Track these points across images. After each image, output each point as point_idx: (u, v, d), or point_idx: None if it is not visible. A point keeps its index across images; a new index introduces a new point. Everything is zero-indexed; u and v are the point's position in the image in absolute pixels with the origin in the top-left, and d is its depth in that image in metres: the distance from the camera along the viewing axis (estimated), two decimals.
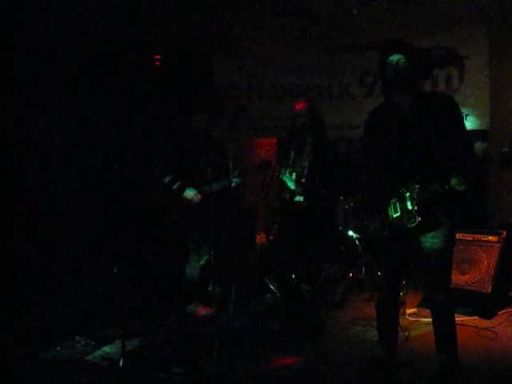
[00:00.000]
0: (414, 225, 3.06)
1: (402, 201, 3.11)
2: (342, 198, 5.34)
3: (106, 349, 3.98)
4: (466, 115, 5.54)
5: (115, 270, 4.09)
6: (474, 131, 5.63)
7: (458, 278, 4.78)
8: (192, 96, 6.21)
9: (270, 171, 5.08)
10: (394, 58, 3.03)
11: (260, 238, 6.65)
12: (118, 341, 3.90)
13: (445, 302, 3.27)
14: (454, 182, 2.92)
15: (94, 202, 5.45)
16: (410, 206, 3.08)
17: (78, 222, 5.44)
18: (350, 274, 5.34)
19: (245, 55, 6.60)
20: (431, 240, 3.15)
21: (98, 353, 3.92)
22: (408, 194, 3.08)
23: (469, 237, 4.99)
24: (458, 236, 5.00)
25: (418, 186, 3.04)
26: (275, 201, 5.55)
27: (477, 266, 4.78)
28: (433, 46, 5.82)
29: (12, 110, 5.02)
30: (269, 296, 5.14)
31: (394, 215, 3.13)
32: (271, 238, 5.62)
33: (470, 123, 5.52)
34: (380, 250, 3.34)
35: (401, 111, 3.13)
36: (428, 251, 3.18)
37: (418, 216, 3.04)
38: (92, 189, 5.44)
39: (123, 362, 3.63)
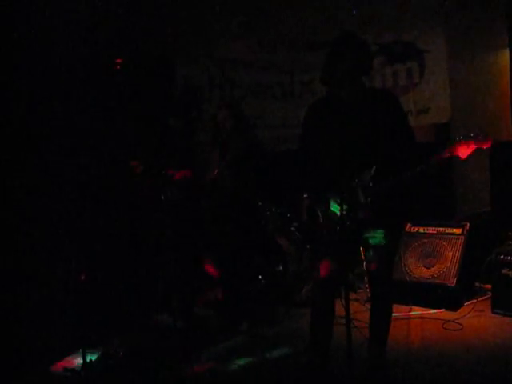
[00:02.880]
0: (363, 217, 3.05)
1: (352, 194, 3.08)
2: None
3: (68, 359, 3.90)
4: (427, 109, 5.58)
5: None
6: (435, 125, 5.69)
7: (423, 272, 4.81)
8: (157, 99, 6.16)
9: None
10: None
11: None
12: (80, 350, 3.81)
13: (386, 297, 3.30)
14: (402, 177, 2.96)
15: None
16: (361, 199, 3.07)
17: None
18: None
19: (205, 55, 6.54)
20: (378, 233, 3.14)
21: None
22: (358, 187, 3.07)
23: (433, 230, 5.01)
24: (423, 229, 5.06)
25: (367, 179, 3.03)
26: None
27: (442, 259, 4.80)
28: (393, 40, 5.85)
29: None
30: None
31: (343, 208, 3.10)
32: None
33: (430, 117, 5.56)
34: (324, 242, 3.28)
35: (345, 105, 3.12)
36: (374, 245, 3.17)
37: (368, 209, 3.03)
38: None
39: (84, 373, 3.55)
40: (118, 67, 6.39)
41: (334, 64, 3.05)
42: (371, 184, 3.05)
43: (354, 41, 3.08)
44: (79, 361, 3.72)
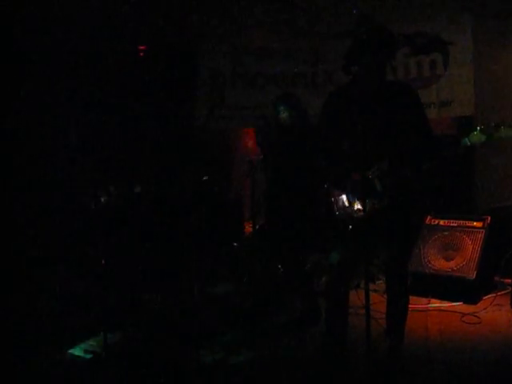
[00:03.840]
0: (381, 206, 3.05)
1: (369, 183, 3.09)
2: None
3: (89, 342, 3.96)
4: (451, 101, 5.54)
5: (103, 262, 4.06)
6: (459, 119, 5.64)
7: (443, 265, 4.79)
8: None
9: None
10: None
11: (248, 228, 6.64)
12: (100, 334, 3.87)
13: (401, 288, 3.32)
14: (418, 168, 3.00)
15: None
16: (378, 188, 3.07)
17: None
18: None
19: (230, 42, 6.55)
20: (394, 223, 3.14)
21: (81, 346, 3.90)
22: (377, 175, 3.07)
23: (453, 223, 4.98)
24: (443, 222, 5.04)
25: (385, 169, 3.04)
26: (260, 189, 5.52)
27: (462, 252, 4.78)
28: (417, 31, 5.80)
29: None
30: None
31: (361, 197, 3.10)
32: (257, 227, 5.60)
33: (454, 109, 5.52)
34: (344, 230, 3.29)
35: (365, 95, 3.12)
36: (390, 235, 3.17)
37: (386, 198, 3.04)
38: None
39: (106, 355, 3.61)
40: (142, 54, 6.46)
41: (359, 54, 3.06)
42: (389, 174, 3.05)
43: (383, 34, 3.07)
44: (100, 343, 3.80)
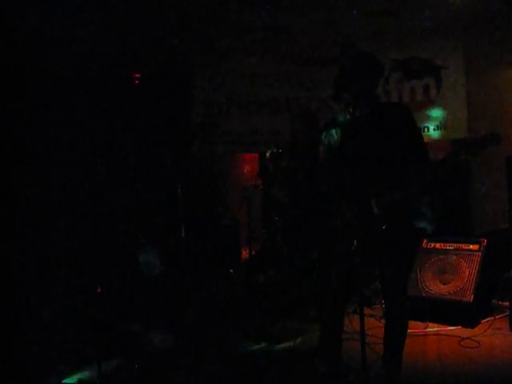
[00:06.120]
0: (378, 229, 3.05)
1: (366, 206, 3.09)
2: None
3: (84, 372, 3.91)
4: (444, 125, 5.58)
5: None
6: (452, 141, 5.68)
7: (439, 288, 4.76)
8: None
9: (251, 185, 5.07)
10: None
11: (245, 254, 6.62)
12: (95, 363, 3.83)
13: (400, 312, 3.27)
14: (414, 189, 2.98)
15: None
16: (375, 211, 3.07)
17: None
18: None
19: (225, 71, 6.61)
20: (392, 247, 3.13)
21: (76, 376, 3.85)
22: (373, 199, 3.07)
23: (450, 246, 4.97)
24: (439, 245, 5.02)
25: (381, 192, 3.04)
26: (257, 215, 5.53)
27: (458, 276, 4.75)
28: (410, 57, 5.87)
29: None
30: None
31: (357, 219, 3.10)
32: (254, 253, 5.59)
33: (447, 132, 5.56)
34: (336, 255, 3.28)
35: (358, 120, 3.14)
36: (387, 259, 3.16)
37: (384, 221, 3.04)
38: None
39: None
40: (137, 82, 6.51)
41: (347, 82, 3.08)
42: (385, 196, 3.05)
43: (369, 60, 3.11)
44: (94, 373, 3.76)
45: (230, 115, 6.53)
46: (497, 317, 4.63)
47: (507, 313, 4.59)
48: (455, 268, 4.81)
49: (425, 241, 5.11)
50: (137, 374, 3.85)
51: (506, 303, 4.68)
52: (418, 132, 3.28)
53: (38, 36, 4.98)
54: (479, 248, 4.82)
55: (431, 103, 5.70)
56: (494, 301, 4.93)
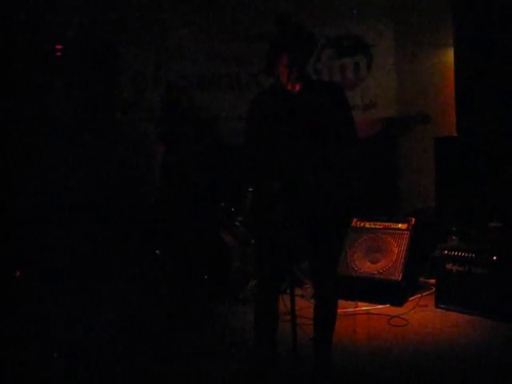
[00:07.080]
0: (309, 210, 2.96)
1: (298, 186, 2.99)
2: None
3: None
4: (374, 103, 5.58)
5: None
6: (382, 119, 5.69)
7: (369, 267, 4.78)
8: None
9: None
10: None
11: None
12: None
13: (330, 293, 3.20)
14: (345, 167, 2.94)
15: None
16: (307, 189, 2.98)
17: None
18: None
19: (152, 44, 6.34)
20: (323, 227, 3.05)
21: None
22: (304, 176, 2.97)
23: (379, 225, 4.99)
24: (369, 224, 5.04)
25: (312, 169, 2.95)
26: None
27: (387, 255, 4.78)
28: (341, 34, 5.82)
29: None
30: None
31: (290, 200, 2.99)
32: None
33: (377, 111, 5.56)
34: (268, 236, 3.17)
35: (290, 95, 3.03)
36: (321, 237, 3.08)
37: (315, 201, 2.95)
38: None
39: None
40: (59, 54, 6.15)
41: (278, 55, 2.96)
42: (316, 174, 2.96)
43: (300, 33, 2.99)
44: None
45: (157, 90, 6.27)
46: (424, 294, 4.70)
47: (433, 290, 4.67)
48: (384, 247, 4.84)
49: (355, 220, 5.11)
50: None
51: (432, 280, 4.76)
52: (349, 112, 3.20)
53: None
54: (408, 227, 4.87)
55: (361, 81, 5.69)
56: (421, 278, 5.02)
